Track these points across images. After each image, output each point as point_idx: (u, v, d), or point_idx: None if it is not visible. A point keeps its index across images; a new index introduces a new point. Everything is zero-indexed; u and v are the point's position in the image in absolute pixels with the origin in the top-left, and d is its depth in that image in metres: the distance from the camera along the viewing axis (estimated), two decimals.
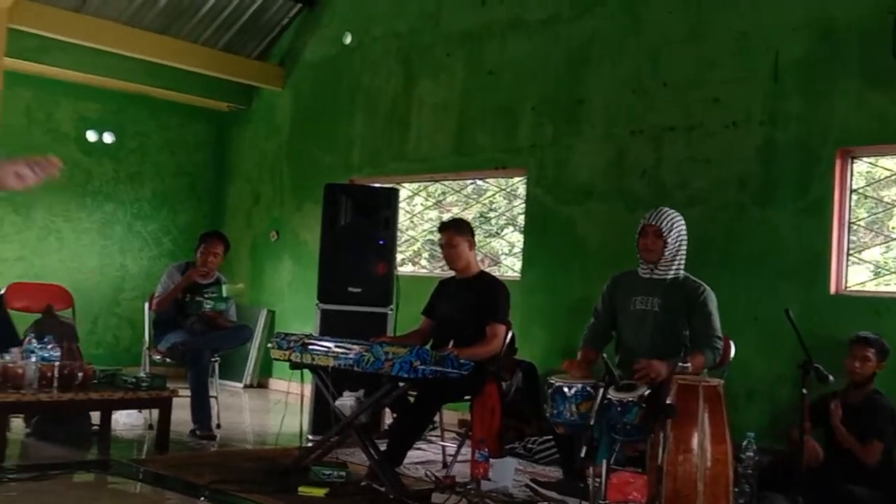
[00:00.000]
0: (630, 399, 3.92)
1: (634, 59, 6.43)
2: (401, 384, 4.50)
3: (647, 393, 3.94)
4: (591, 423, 3.88)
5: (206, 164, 9.57)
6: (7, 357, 5.06)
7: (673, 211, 4.71)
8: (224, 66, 8.83)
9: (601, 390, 3.94)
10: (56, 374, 4.97)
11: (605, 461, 3.91)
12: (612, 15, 6.59)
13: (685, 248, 4.69)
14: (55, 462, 4.85)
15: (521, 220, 7.21)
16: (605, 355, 4.25)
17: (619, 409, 3.91)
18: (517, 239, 7.36)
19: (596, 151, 6.57)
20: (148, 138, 9.17)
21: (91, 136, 8.76)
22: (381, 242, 6.21)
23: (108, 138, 8.86)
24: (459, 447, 5.14)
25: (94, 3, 7.88)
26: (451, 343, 4.74)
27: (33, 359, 4.98)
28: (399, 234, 6.99)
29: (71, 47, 8.01)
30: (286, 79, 9.03)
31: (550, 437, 5.25)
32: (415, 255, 8.38)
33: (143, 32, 8.21)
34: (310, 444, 5.43)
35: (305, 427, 5.86)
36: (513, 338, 5.31)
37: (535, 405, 5.59)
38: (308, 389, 5.93)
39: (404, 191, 8.04)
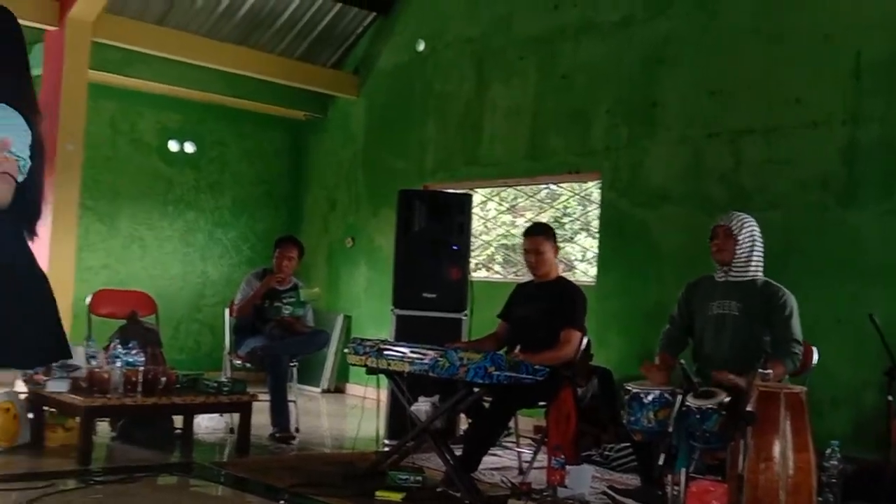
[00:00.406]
0: (710, 406, 3.86)
1: (710, 60, 6.33)
2: (475, 390, 4.50)
3: (727, 400, 3.87)
4: (670, 430, 3.83)
5: (283, 171, 9.73)
6: (93, 362, 5.23)
7: (744, 214, 4.67)
8: (300, 75, 8.97)
9: (679, 397, 3.89)
10: (140, 378, 5.11)
11: (683, 469, 3.85)
12: (687, 14, 6.50)
13: (760, 249, 4.60)
14: (140, 465, 4.98)
15: (594, 224, 7.15)
16: (682, 361, 4.19)
17: (698, 416, 3.85)
18: (590, 244, 7.31)
19: (671, 154, 6.49)
20: (227, 147, 9.37)
21: (173, 146, 8.99)
22: (454, 248, 6.22)
23: (189, 148, 9.09)
24: (535, 453, 5.12)
25: (175, 17, 8.08)
26: (518, 348, 4.72)
27: (119, 364, 5.13)
28: (472, 239, 7.00)
29: (153, 60, 8.23)
30: (361, 87, 9.13)
31: (628, 444, 5.19)
32: (488, 259, 8.38)
33: (222, 44, 8.40)
34: (386, 449, 5.47)
35: (382, 432, 5.91)
36: (588, 343, 5.27)
37: (611, 411, 5.52)
38: (384, 394, 5.98)
39: (477, 196, 8.04)
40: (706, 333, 4.65)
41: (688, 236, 6.24)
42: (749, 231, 4.58)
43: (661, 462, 3.82)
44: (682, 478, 3.85)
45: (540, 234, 5.19)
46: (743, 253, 4.56)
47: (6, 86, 2.46)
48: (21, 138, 2.42)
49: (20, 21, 2.66)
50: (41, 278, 2.61)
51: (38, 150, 2.51)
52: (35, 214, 2.59)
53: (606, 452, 5.62)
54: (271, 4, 8.36)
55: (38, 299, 2.59)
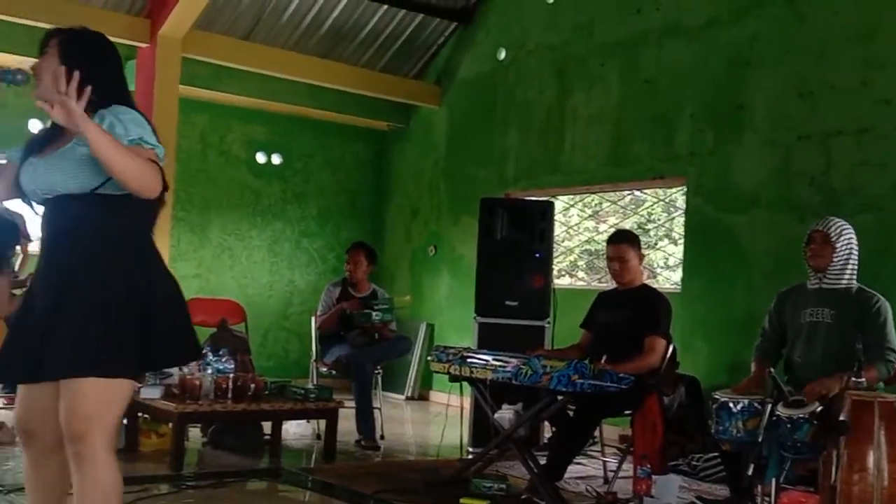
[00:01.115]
0: (801, 415, 3.76)
1: (798, 61, 6.18)
2: (559, 398, 4.48)
3: (818, 409, 3.77)
4: (760, 440, 3.75)
5: (366, 181, 9.86)
6: (185, 369, 5.37)
7: (841, 220, 4.53)
8: (383, 86, 9.08)
9: (769, 406, 3.80)
10: (230, 385, 5.23)
11: (774, 480, 3.76)
12: (774, 16, 6.37)
13: (856, 258, 4.47)
14: (230, 470, 5.10)
15: (678, 230, 7.04)
16: (772, 370, 4.10)
17: (788, 425, 3.76)
18: (673, 251, 7.20)
19: (759, 158, 6.35)
20: (312, 159, 9.54)
21: (260, 158, 9.20)
22: (536, 255, 6.21)
23: (276, 160, 9.29)
24: (621, 463, 5.07)
25: (261, 32, 8.27)
26: (604, 359, 4.67)
27: (209, 371, 5.26)
28: (555, 246, 6.97)
29: (241, 74, 8.44)
30: (442, 96, 9.20)
31: (716, 453, 5.09)
32: (571, 266, 8.33)
33: (306, 57, 8.56)
34: (470, 457, 5.48)
35: (466, 439, 5.92)
36: (674, 351, 5.19)
37: (698, 421, 5.44)
38: (467, 402, 6.00)
39: (560, 203, 8.01)
40: (798, 342, 4.54)
41: (777, 241, 6.10)
42: (847, 238, 4.45)
43: (750, 472, 3.74)
44: (773, 488, 3.76)
45: (624, 242, 5.11)
46: (839, 260, 4.43)
47: (109, 96, 2.61)
48: (147, 128, 2.59)
49: (113, 39, 2.79)
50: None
51: None
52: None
53: (694, 462, 5.53)
54: (354, 18, 8.49)
55: (181, 300, 2.73)
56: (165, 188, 2.60)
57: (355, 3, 8.33)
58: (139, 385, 5.34)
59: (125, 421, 5.39)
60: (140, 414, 5.40)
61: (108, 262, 2.54)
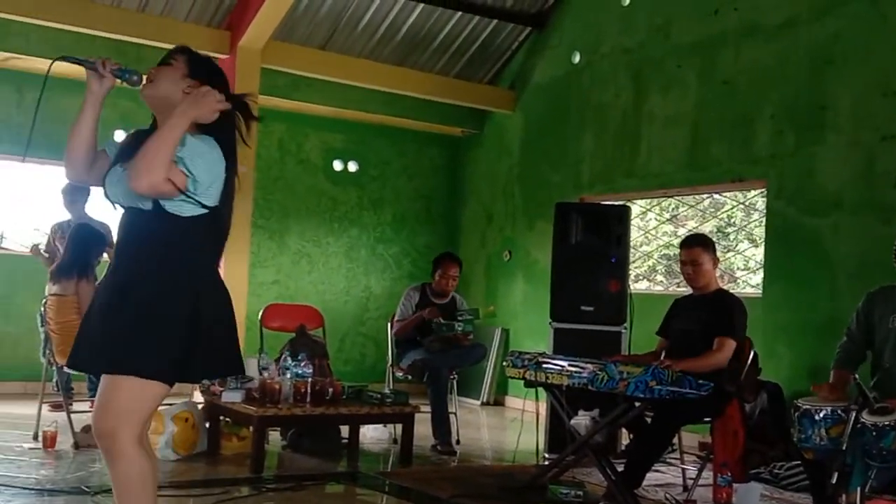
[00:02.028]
0: (887, 423, 3.65)
1: (883, 60, 6.01)
2: (636, 404, 4.44)
3: None
4: (844, 448, 3.65)
5: (441, 187, 9.91)
6: (265, 374, 5.47)
7: None
8: (457, 92, 9.12)
9: (853, 413, 3.70)
10: (309, 389, 5.31)
11: (858, 489, 3.66)
12: (857, 13, 6.20)
13: None
14: (309, 473, 5.17)
15: (758, 234, 6.90)
16: (856, 376, 3.99)
17: (874, 433, 3.66)
18: (753, 253, 7.06)
19: (842, 159, 6.19)
20: (388, 165, 9.63)
21: (337, 165, 9.33)
22: (612, 260, 6.15)
23: (352, 167, 9.41)
24: (700, 470, 4.99)
25: (337, 42, 8.39)
26: (663, 354, 4.59)
27: (289, 375, 5.35)
28: (632, 250, 6.90)
29: (318, 83, 8.57)
30: (516, 101, 9.19)
31: (798, 462, 4.98)
32: (649, 271, 8.24)
33: (382, 66, 8.65)
34: (546, 463, 5.46)
35: (542, 445, 5.90)
36: (755, 357, 5.09)
37: (781, 428, 5.31)
38: (543, 407, 5.97)
39: (636, 207, 7.93)
40: (887, 346, 4.40)
41: (861, 244, 5.94)
42: None
43: (834, 481, 3.65)
44: (858, 497, 3.66)
45: (697, 245, 5.03)
46: None
47: (224, 123, 2.82)
48: (202, 160, 2.70)
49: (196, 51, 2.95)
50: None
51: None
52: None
53: (776, 470, 5.40)
54: (429, 25, 8.55)
55: (228, 318, 2.88)
56: (220, 218, 2.82)
57: (430, 10, 8.39)
58: (221, 389, 5.46)
59: (207, 424, 5.53)
60: (222, 417, 5.52)
61: (162, 276, 2.69)
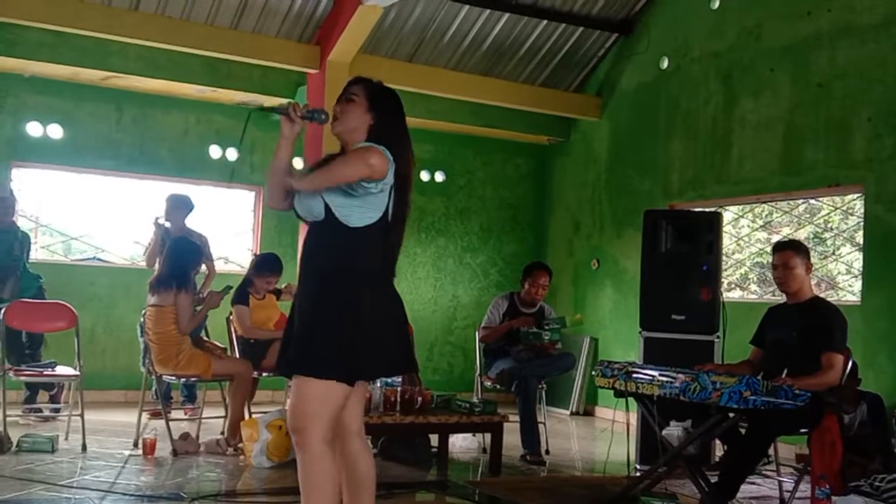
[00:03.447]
0: None
1: None
2: (730, 415, 4.35)
3: None
4: None
5: (528, 196, 9.89)
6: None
7: None
8: (543, 101, 9.10)
9: None
10: (398, 398, 5.36)
11: None
12: None
13: None
14: (399, 481, 5.21)
15: (856, 239, 6.70)
16: None
17: None
18: (853, 259, 6.86)
19: None
20: (474, 175, 9.66)
21: (424, 175, 9.40)
22: (703, 268, 6.04)
23: (439, 177, 9.47)
24: (797, 483, 4.86)
25: (424, 53, 8.46)
26: (785, 372, 4.50)
27: (378, 384, 5.40)
28: (725, 258, 6.77)
29: (404, 95, 8.53)
30: (603, 108, 9.12)
31: None
32: (742, 279, 8.07)
33: (468, 76, 8.69)
34: (638, 474, 5.39)
35: (633, 456, 5.82)
36: (855, 367, 4.94)
37: (881, 440, 5.15)
38: (634, 418, 5.90)
39: (728, 213, 7.78)
40: None
41: None
42: None
43: None
44: None
45: (789, 249, 4.91)
46: None
47: (395, 139, 3.15)
48: (358, 160, 2.99)
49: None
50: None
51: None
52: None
53: (877, 483, 5.23)
54: (514, 34, 8.56)
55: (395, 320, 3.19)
56: (396, 218, 3.14)
57: (515, 19, 8.40)
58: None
59: None
60: None
61: (332, 282, 3.00)
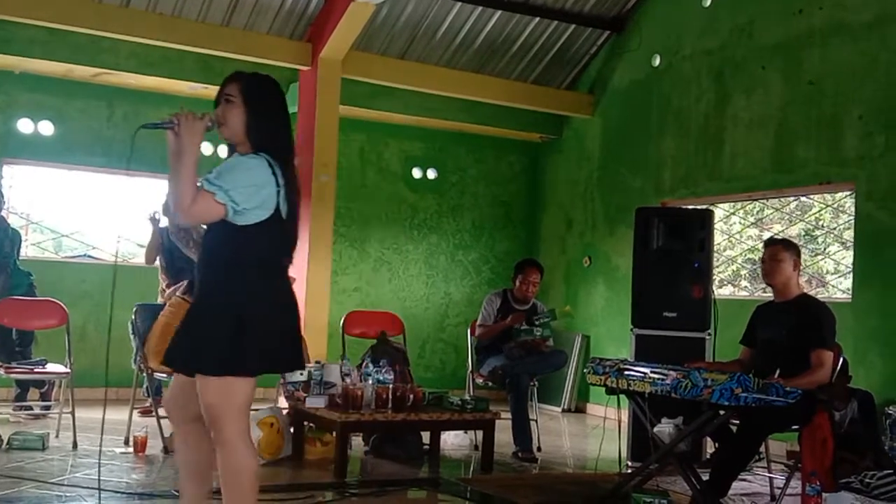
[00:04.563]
0: None
1: None
2: (721, 412, 4.36)
3: None
4: None
5: (520, 193, 9.89)
6: (347, 380, 5.54)
7: None
8: (536, 98, 9.10)
9: None
10: (390, 395, 5.35)
11: None
12: None
13: None
14: (391, 479, 5.21)
15: (846, 236, 6.72)
16: None
17: None
18: (842, 257, 6.88)
19: None
20: (466, 172, 9.66)
21: (416, 173, 9.40)
22: (695, 265, 6.06)
23: (431, 174, 9.47)
24: (788, 480, 4.88)
25: (416, 50, 8.46)
26: (777, 373, 4.50)
27: (370, 381, 5.40)
28: (716, 255, 6.78)
29: (397, 92, 8.66)
30: (595, 106, 9.13)
31: (890, 471, 4.82)
32: (734, 276, 8.09)
33: (460, 73, 8.69)
34: (629, 471, 5.40)
35: (624, 453, 5.84)
36: (845, 364, 4.95)
37: (872, 437, 5.16)
38: (625, 415, 5.91)
39: (720, 211, 7.80)
40: None
41: None
42: None
43: None
44: None
45: (779, 243, 4.97)
46: None
47: (266, 131, 3.07)
48: (232, 179, 2.96)
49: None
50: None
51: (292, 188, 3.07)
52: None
53: (867, 480, 5.24)
54: (506, 32, 8.55)
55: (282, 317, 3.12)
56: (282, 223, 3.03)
57: (507, 16, 8.40)
58: (305, 394, 5.55)
59: (292, 429, 5.61)
60: (305, 423, 5.61)
61: (225, 279, 3.01)
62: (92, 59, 7.50)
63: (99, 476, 4.62)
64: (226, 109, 3.06)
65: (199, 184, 2.95)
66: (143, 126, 3.12)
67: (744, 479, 5.23)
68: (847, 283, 6.70)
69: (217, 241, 3.05)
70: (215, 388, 2.93)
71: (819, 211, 7.34)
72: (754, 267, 7.78)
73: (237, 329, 2.92)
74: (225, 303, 2.97)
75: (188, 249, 6.80)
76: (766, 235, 7.50)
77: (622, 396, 4.85)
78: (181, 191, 2.92)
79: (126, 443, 5.69)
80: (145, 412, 6.67)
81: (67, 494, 4.39)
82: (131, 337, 6.02)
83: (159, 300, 6.80)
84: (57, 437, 5.76)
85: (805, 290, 5.24)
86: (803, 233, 7.42)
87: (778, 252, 4.88)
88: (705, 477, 4.62)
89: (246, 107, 3.04)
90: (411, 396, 5.44)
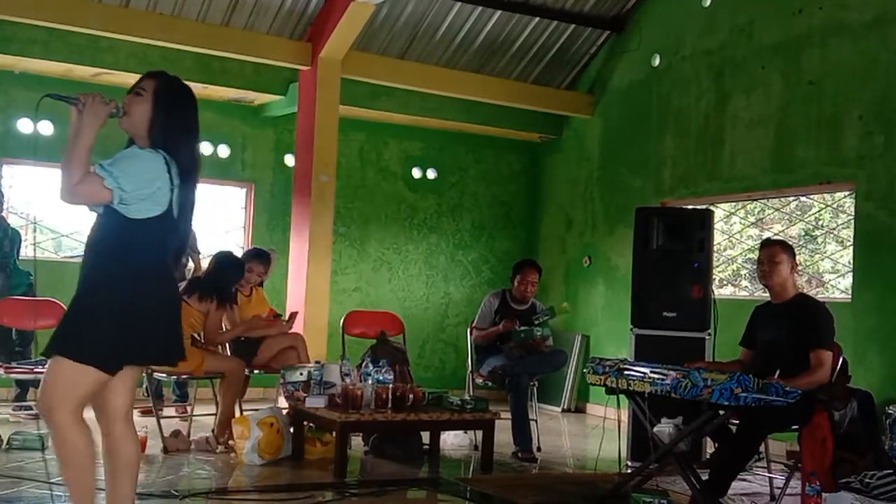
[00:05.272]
0: None
1: None
2: (721, 412, 4.36)
3: None
4: None
5: (520, 193, 9.89)
6: (347, 380, 5.54)
7: None
8: (535, 98, 9.10)
9: None
10: (390, 395, 5.35)
11: None
12: None
13: None
14: (391, 479, 5.21)
15: (844, 235, 6.72)
16: None
17: None
18: (841, 256, 6.88)
19: None
20: (466, 172, 9.66)
21: (416, 172, 9.40)
22: (695, 265, 6.06)
23: (431, 174, 9.47)
24: (788, 480, 4.88)
25: (416, 50, 8.46)
26: (777, 373, 4.51)
27: (370, 381, 5.40)
28: (716, 255, 6.78)
29: (397, 92, 8.66)
30: (595, 106, 9.13)
31: (890, 470, 4.83)
32: (734, 276, 8.09)
33: (460, 73, 8.69)
34: (629, 471, 5.40)
35: (624, 453, 5.84)
36: (845, 364, 4.95)
37: (871, 437, 5.17)
38: (625, 415, 5.91)
39: (720, 210, 7.80)
40: None
41: None
42: None
43: None
44: None
45: (776, 245, 4.96)
46: None
47: (168, 130, 3.10)
48: (124, 168, 3.03)
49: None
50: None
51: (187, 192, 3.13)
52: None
53: (867, 480, 5.24)
54: (506, 32, 8.55)
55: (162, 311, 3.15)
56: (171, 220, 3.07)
57: (507, 16, 8.40)
58: (304, 394, 5.55)
59: (291, 429, 5.61)
60: (305, 422, 5.60)
61: (106, 270, 3.03)
62: (92, 59, 7.50)
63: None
64: (133, 101, 3.12)
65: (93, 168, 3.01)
66: (48, 95, 3.23)
67: (744, 479, 5.23)
68: (846, 282, 6.70)
69: (106, 230, 3.07)
70: (59, 370, 2.97)
71: (819, 211, 7.34)
72: (755, 267, 7.79)
73: (110, 321, 2.96)
74: (102, 293, 2.99)
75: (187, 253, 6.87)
76: (767, 235, 7.50)
77: (622, 396, 4.85)
78: (71, 168, 2.97)
79: None
80: (145, 412, 6.67)
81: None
82: None
83: None
84: None
85: (804, 290, 5.24)
86: (803, 233, 7.42)
87: (776, 254, 4.88)
88: (705, 477, 4.62)
89: (154, 103, 3.09)
90: (411, 396, 5.44)
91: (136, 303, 3.01)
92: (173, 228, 3.11)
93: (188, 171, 3.11)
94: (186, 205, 3.13)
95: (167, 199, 3.04)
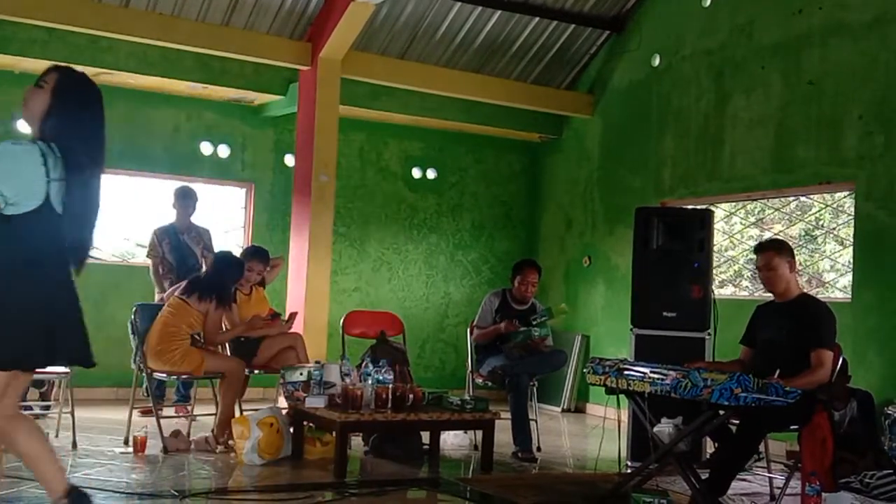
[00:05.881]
0: None
1: None
2: (721, 412, 4.36)
3: None
4: None
5: (520, 193, 9.89)
6: (347, 380, 5.53)
7: None
8: (535, 98, 9.10)
9: None
10: (390, 395, 5.35)
11: None
12: None
13: None
14: (391, 479, 5.21)
15: (844, 234, 6.72)
16: None
17: None
18: (840, 256, 6.88)
19: None
20: (466, 172, 9.66)
21: (416, 172, 9.40)
22: (695, 265, 6.05)
23: (431, 174, 9.47)
24: (788, 480, 4.87)
25: (416, 50, 8.46)
26: (777, 373, 4.50)
27: (370, 381, 5.40)
28: (717, 255, 6.77)
29: (397, 92, 8.66)
30: (595, 106, 9.13)
31: (890, 470, 4.82)
32: (735, 276, 8.09)
33: (460, 73, 8.69)
34: (629, 471, 5.40)
35: (624, 453, 5.83)
36: (845, 363, 4.95)
37: (871, 437, 5.16)
38: (625, 415, 5.91)
39: (720, 210, 7.80)
40: None
41: None
42: None
43: None
44: None
45: (770, 250, 4.93)
46: None
47: (62, 125, 3.10)
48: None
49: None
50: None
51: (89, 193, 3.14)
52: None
53: (867, 480, 5.24)
54: (506, 32, 8.55)
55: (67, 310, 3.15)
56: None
57: (507, 16, 8.40)
58: (304, 394, 5.54)
59: (291, 429, 5.61)
60: (305, 423, 5.60)
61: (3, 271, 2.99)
62: (91, 59, 7.48)
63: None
64: (33, 92, 3.15)
65: None
66: None
67: (744, 479, 5.23)
68: (845, 281, 6.70)
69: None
70: None
71: (819, 211, 7.34)
72: (755, 267, 7.79)
73: None
74: None
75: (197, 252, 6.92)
76: (767, 235, 7.50)
77: (622, 396, 4.85)
78: None
79: (126, 443, 5.69)
80: (145, 412, 6.67)
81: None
82: (131, 337, 6.02)
83: (156, 299, 6.83)
84: (56, 436, 5.75)
85: (805, 290, 5.23)
86: (804, 233, 7.42)
87: (771, 260, 4.87)
88: (705, 477, 4.62)
89: (53, 96, 3.10)
90: (411, 396, 5.44)
91: (24, 303, 3.00)
92: (54, 224, 3.06)
93: (79, 167, 3.08)
94: (75, 201, 3.09)
95: (44, 192, 3.00)
